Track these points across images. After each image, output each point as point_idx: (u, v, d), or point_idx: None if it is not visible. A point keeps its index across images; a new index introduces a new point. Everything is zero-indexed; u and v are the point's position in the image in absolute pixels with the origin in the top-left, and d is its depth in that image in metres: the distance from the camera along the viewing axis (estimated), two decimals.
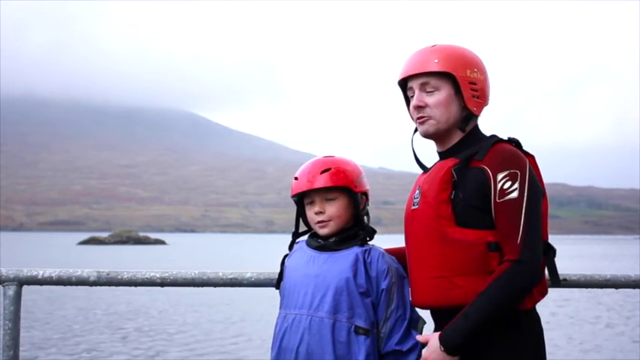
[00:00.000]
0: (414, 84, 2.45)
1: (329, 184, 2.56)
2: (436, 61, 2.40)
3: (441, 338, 2.25)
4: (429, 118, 2.42)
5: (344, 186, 2.57)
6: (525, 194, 2.26)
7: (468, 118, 2.42)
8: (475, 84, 2.40)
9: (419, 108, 2.44)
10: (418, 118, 2.45)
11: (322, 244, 2.59)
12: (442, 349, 2.23)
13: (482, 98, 2.43)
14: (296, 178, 2.62)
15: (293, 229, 2.72)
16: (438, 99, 2.41)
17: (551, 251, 2.38)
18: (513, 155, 2.32)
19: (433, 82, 2.41)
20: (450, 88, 2.40)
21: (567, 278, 2.80)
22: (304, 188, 2.59)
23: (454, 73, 2.39)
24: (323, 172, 2.57)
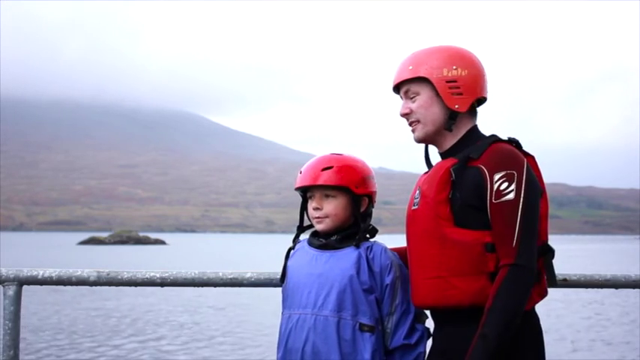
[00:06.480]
0: (401, 93, 2.52)
1: (327, 183, 2.57)
2: (410, 67, 2.46)
3: None
4: (417, 122, 2.48)
5: (343, 186, 2.57)
6: (522, 196, 2.25)
7: (452, 116, 2.43)
8: (455, 81, 2.41)
9: (405, 115, 2.50)
10: (409, 125, 2.51)
11: (324, 242, 2.59)
12: None
13: (467, 94, 2.42)
14: (301, 172, 2.63)
15: (293, 229, 2.74)
16: (419, 103, 2.46)
17: (549, 252, 2.37)
18: (510, 155, 2.32)
19: (413, 88, 2.47)
20: (430, 90, 2.44)
21: (567, 278, 2.80)
22: (304, 183, 2.61)
23: (427, 76, 2.42)
24: (324, 169, 2.58)
